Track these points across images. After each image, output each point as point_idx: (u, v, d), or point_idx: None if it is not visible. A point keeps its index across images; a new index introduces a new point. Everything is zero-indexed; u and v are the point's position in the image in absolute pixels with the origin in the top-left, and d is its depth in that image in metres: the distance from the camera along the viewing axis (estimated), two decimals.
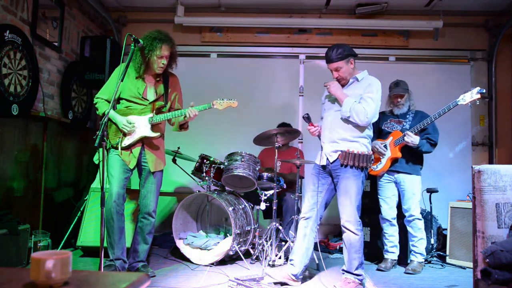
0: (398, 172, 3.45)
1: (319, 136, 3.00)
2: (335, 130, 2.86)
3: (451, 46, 4.86)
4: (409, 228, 3.45)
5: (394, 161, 3.43)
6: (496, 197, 2.20)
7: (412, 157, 3.44)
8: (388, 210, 3.50)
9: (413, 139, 3.28)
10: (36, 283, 0.92)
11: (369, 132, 2.91)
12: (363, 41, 4.93)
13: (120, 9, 4.93)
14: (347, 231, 2.79)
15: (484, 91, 3.15)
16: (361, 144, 2.84)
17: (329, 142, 2.88)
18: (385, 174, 3.50)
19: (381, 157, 3.47)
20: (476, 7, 4.68)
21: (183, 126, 3.08)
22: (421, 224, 3.43)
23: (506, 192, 2.21)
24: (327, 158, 2.88)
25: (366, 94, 2.81)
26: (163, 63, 2.92)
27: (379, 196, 3.56)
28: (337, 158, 2.82)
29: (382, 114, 3.64)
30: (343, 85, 2.92)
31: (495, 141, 4.76)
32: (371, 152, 2.90)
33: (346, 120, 2.82)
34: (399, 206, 3.54)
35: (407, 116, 3.50)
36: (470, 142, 4.76)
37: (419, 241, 3.42)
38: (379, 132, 3.59)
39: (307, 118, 2.99)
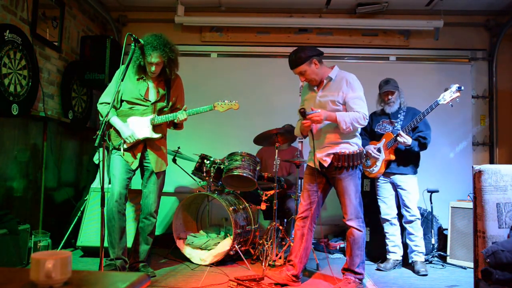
0: (394, 174, 3.46)
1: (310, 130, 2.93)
2: (322, 136, 2.85)
3: (451, 45, 4.86)
4: (410, 229, 3.45)
5: (388, 163, 3.43)
6: (497, 197, 2.20)
7: (406, 158, 3.43)
8: (386, 209, 3.51)
9: (405, 139, 3.26)
10: (36, 283, 0.92)
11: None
12: (364, 40, 4.92)
13: (121, 8, 4.92)
14: (350, 228, 2.82)
15: (462, 88, 3.13)
16: (352, 144, 2.83)
17: (319, 148, 2.86)
18: (382, 176, 3.51)
19: (376, 160, 3.46)
20: (476, 7, 4.68)
21: (177, 126, 3.07)
22: (420, 223, 3.46)
23: (507, 192, 2.20)
24: (320, 163, 2.86)
25: (351, 96, 2.77)
26: (153, 69, 2.88)
27: (377, 197, 3.57)
28: (331, 161, 2.82)
29: (373, 115, 3.63)
30: (316, 86, 2.89)
31: (496, 141, 4.75)
32: (362, 147, 2.90)
33: (330, 124, 2.80)
34: (398, 206, 3.54)
35: (399, 116, 3.48)
36: (471, 142, 4.75)
37: (421, 240, 3.43)
38: (373, 134, 3.58)
39: (303, 113, 2.84)
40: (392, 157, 3.38)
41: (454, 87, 3.09)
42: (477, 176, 2.25)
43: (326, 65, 2.91)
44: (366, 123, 2.80)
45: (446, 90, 3.14)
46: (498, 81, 4.80)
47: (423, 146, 3.40)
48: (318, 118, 2.72)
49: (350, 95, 2.78)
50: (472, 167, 2.30)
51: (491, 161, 4.76)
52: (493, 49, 4.77)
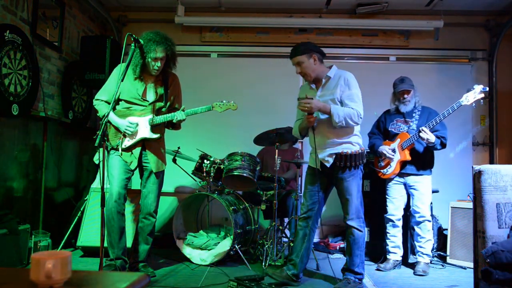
0: (408, 174, 3.40)
1: (312, 126, 2.90)
2: (324, 136, 2.83)
3: (451, 46, 4.85)
4: (417, 229, 3.41)
5: (403, 163, 3.37)
6: (497, 197, 2.20)
7: (422, 158, 3.36)
8: (393, 210, 3.47)
9: (429, 136, 3.18)
10: (36, 283, 0.92)
11: (358, 127, 2.88)
12: (364, 41, 4.92)
13: (121, 8, 4.92)
14: (350, 228, 2.82)
15: (487, 89, 3.12)
16: (353, 143, 2.83)
17: (321, 148, 2.85)
18: (396, 177, 3.44)
19: (390, 161, 3.41)
20: (476, 7, 4.67)
21: (174, 126, 3.06)
22: (430, 225, 3.40)
23: (507, 192, 2.20)
24: (322, 163, 2.85)
25: (348, 93, 2.77)
26: (157, 66, 2.89)
27: (386, 196, 3.52)
28: (333, 161, 2.81)
29: (387, 113, 3.57)
30: (315, 85, 2.88)
31: (496, 141, 4.75)
32: (363, 147, 2.89)
33: (331, 124, 2.77)
34: (406, 207, 3.51)
35: (413, 115, 3.42)
36: (471, 142, 4.75)
37: (427, 242, 3.39)
38: (386, 134, 3.53)
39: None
40: (409, 157, 3.32)
41: (479, 88, 3.07)
42: (477, 176, 2.25)
43: (325, 66, 2.91)
44: (360, 122, 2.76)
45: (468, 91, 3.11)
46: (498, 81, 4.79)
47: (443, 145, 3.34)
48: (308, 105, 2.70)
49: (346, 92, 2.78)
50: (472, 167, 2.30)
51: (491, 161, 4.75)
52: (493, 49, 4.77)
